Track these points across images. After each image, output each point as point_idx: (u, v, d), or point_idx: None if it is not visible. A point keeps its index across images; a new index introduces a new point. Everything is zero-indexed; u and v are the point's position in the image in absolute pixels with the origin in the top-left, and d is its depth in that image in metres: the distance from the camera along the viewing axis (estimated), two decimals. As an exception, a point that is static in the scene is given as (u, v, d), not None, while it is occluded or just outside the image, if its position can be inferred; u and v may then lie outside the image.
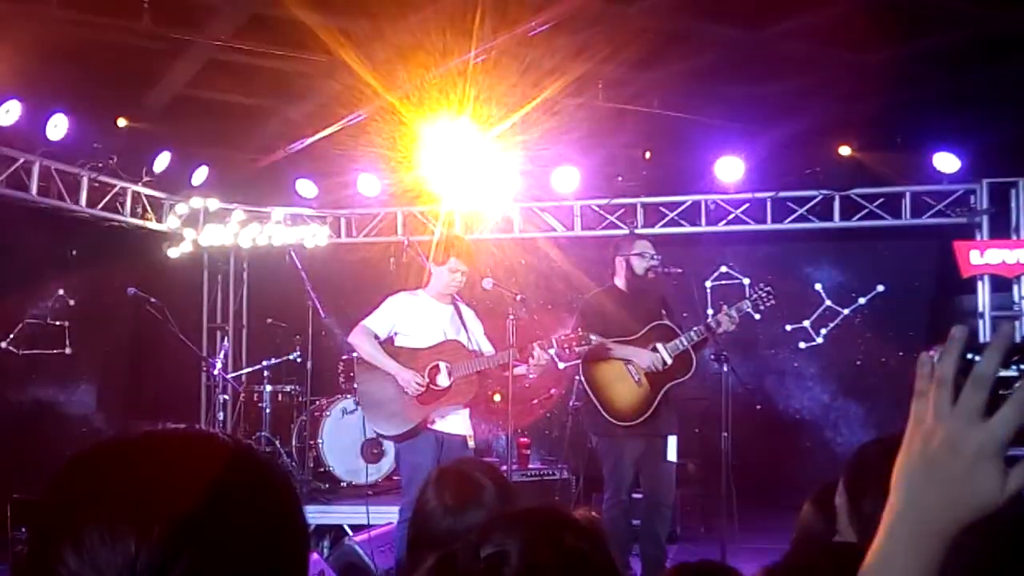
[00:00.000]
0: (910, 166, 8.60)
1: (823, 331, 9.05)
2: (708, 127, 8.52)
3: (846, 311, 8.99)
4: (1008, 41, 7.44)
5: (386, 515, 6.22)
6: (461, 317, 5.68)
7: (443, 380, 5.49)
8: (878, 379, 9.04)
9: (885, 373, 9.01)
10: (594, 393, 5.64)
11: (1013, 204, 8.28)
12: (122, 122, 7.64)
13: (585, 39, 7.24)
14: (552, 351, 5.45)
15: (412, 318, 5.58)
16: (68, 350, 7.68)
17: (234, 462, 0.98)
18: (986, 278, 8.25)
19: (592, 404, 5.67)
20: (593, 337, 5.43)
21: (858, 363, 9.10)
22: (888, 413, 8.83)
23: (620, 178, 8.81)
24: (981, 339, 8.24)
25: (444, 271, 5.56)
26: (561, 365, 8.97)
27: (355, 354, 7.48)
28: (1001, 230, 8.28)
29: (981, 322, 8.30)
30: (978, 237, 8.32)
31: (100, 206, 8.12)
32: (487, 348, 5.71)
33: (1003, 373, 1.18)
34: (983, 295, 8.29)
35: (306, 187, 9.21)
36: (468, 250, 5.64)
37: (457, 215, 9.33)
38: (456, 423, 5.55)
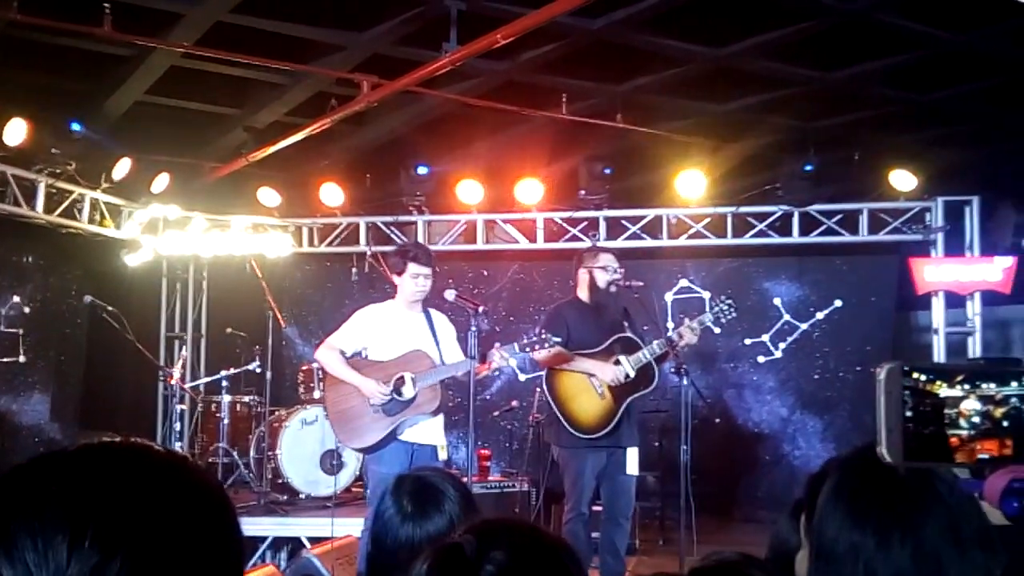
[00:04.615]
0: (868, 183, 8.74)
1: (781, 345, 9.14)
2: (670, 142, 8.60)
3: (804, 326, 9.09)
4: (963, 61, 7.60)
5: (345, 527, 6.17)
6: (432, 324, 5.67)
7: (408, 391, 5.47)
8: (836, 393, 9.15)
9: (842, 387, 9.12)
10: (557, 406, 5.65)
11: (967, 222, 8.44)
12: (76, 127, 7.55)
13: (550, 52, 7.30)
14: (516, 353, 5.47)
15: (381, 331, 5.55)
16: (22, 358, 7.55)
17: (169, 473, 0.99)
18: (941, 294, 8.39)
19: (555, 416, 5.67)
20: (556, 339, 5.44)
21: (816, 377, 9.20)
22: (845, 427, 8.94)
23: (583, 191, 8.85)
24: (935, 355, 8.39)
25: (406, 279, 5.55)
26: (523, 377, 9.04)
27: (315, 365, 7.47)
28: (956, 247, 8.43)
29: (936, 337, 8.44)
30: (933, 254, 8.46)
31: (57, 212, 8.00)
32: (458, 355, 5.64)
33: (1007, 391, 1.21)
34: (938, 311, 8.43)
35: (268, 196, 9.15)
36: (427, 254, 5.64)
37: (420, 225, 9.33)
38: (427, 433, 5.52)
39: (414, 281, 5.53)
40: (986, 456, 1.20)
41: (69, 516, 0.90)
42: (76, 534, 0.89)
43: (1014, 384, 1.22)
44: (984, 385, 1.21)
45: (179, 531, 0.94)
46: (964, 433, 1.21)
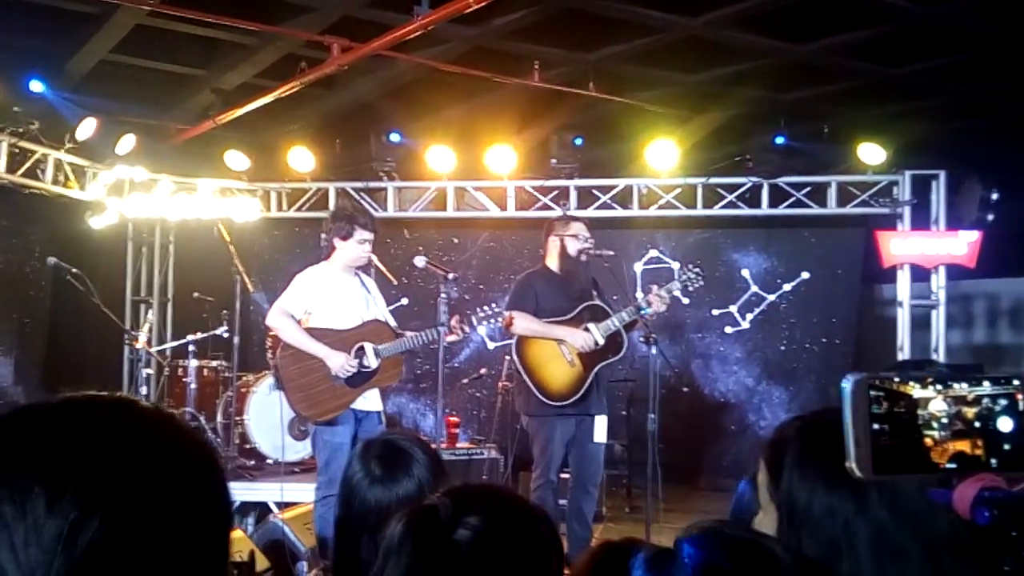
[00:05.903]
0: (836, 156, 8.79)
1: (749, 316, 9.21)
2: (641, 112, 8.59)
3: (771, 297, 9.16)
4: (933, 36, 7.64)
5: (313, 493, 6.17)
6: (367, 289, 5.66)
7: (371, 361, 5.45)
8: (801, 364, 9.24)
9: (808, 358, 9.22)
10: (527, 373, 5.66)
11: (934, 196, 8.51)
12: (36, 86, 7.40)
13: (522, 19, 7.24)
14: (474, 326, 5.55)
15: (323, 294, 5.49)
16: (-16, 320, 7.45)
17: (154, 429, 0.97)
18: (906, 267, 8.47)
19: (525, 384, 5.68)
20: (506, 313, 5.56)
21: (782, 348, 9.29)
22: (810, 397, 9.05)
23: (554, 160, 8.83)
24: (899, 328, 8.48)
25: (351, 244, 5.47)
26: (491, 345, 9.06)
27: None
28: (922, 221, 8.51)
29: (900, 310, 8.53)
30: (900, 227, 8.54)
31: (20, 172, 7.86)
32: (390, 320, 5.72)
33: (979, 391, 1.21)
34: (903, 284, 8.52)
35: (236, 159, 9.04)
36: (372, 220, 5.60)
37: (391, 192, 9.28)
38: (371, 399, 5.53)
39: (360, 247, 5.48)
40: (954, 465, 1.20)
41: (48, 470, 0.87)
42: (55, 488, 0.86)
43: (986, 384, 1.22)
44: (955, 386, 1.21)
45: (163, 489, 0.92)
46: (936, 434, 1.20)
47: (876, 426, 1.18)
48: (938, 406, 1.20)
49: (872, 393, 1.19)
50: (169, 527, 0.91)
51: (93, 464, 0.89)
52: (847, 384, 1.19)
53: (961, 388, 1.21)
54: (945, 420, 1.20)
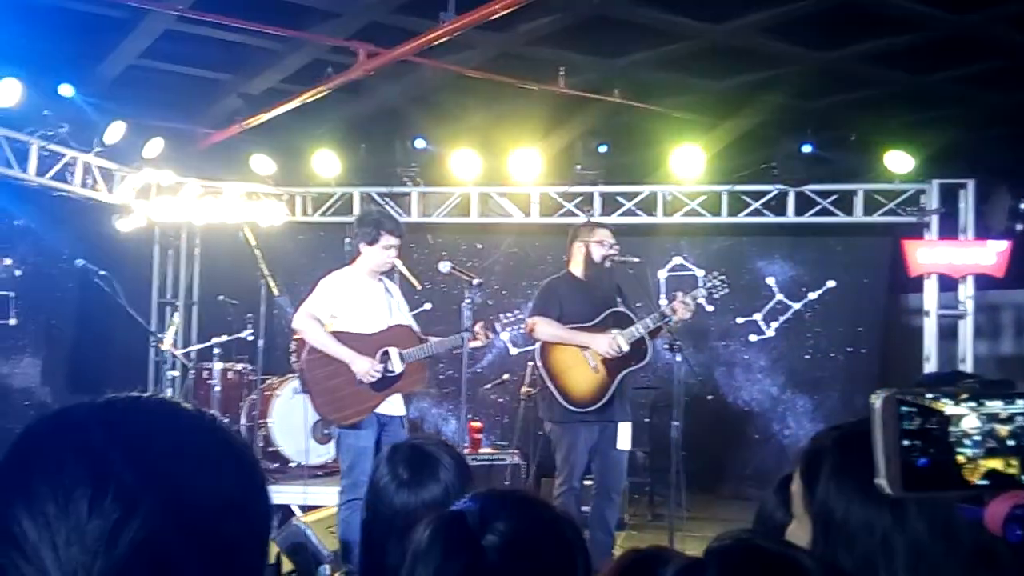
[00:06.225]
0: (863, 164, 8.73)
1: (773, 325, 9.16)
2: (667, 118, 8.57)
3: (797, 305, 9.11)
4: (962, 44, 7.57)
5: (335, 496, 6.18)
6: (390, 293, 5.67)
7: (395, 366, 5.46)
8: (826, 373, 9.18)
9: (833, 367, 9.15)
10: (551, 379, 5.64)
11: (962, 205, 8.42)
12: (65, 90, 7.48)
13: (548, 25, 7.24)
14: (497, 333, 5.60)
15: (349, 298, 5.52)
16: (13, 321, 7.52)
17: (197, 432, 0.97)
18: (933, 277, 8.39)
19: (548, 390, 5.67)
20: (529, 319, 5.63)
21: (807, 357, 9.23)
22: (835, 407, 8.98)
23: (579, 167, 8.82)
24: (926, 338, 8.40)
25: (377, 249, 5.49)
26: (514, 351, 9.05)
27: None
28: (949, 230, 8.43)
29: (927, 320, 8.45)
30: (927, 236, 8.46)
31: (49, 175, 7.95)
32: (413, 325, 5.75)
33: (1013, 408, 1.19)
34: (930, 294, 8.44)
35: (262, 163, 9.10)
36: (399, 225, 5.62)
37: (415, 197, 9.30)
38: (394, 404, 5.54)
39: (386, 252, 5.50)
40: (986, 482, 1.18)
41: (91, 470, 0.88)
42: (98, 488, 0.87)
43: (1019, 402, 1.20)
44: (988, 403, 1.19)
45: (205, 491, 0.92)
46: (968, 451, 1.19)
47: (907, 442, 1.17)
48: (971, 423, 1.18)
49: (903, 409, 1.17)
50: (210, 529, 0.91)
51: (136, 465, 0.89)
52: (876, 400, 1.18)
53: (994, 405, 1.19)
54: (978, 437, 1.18)
